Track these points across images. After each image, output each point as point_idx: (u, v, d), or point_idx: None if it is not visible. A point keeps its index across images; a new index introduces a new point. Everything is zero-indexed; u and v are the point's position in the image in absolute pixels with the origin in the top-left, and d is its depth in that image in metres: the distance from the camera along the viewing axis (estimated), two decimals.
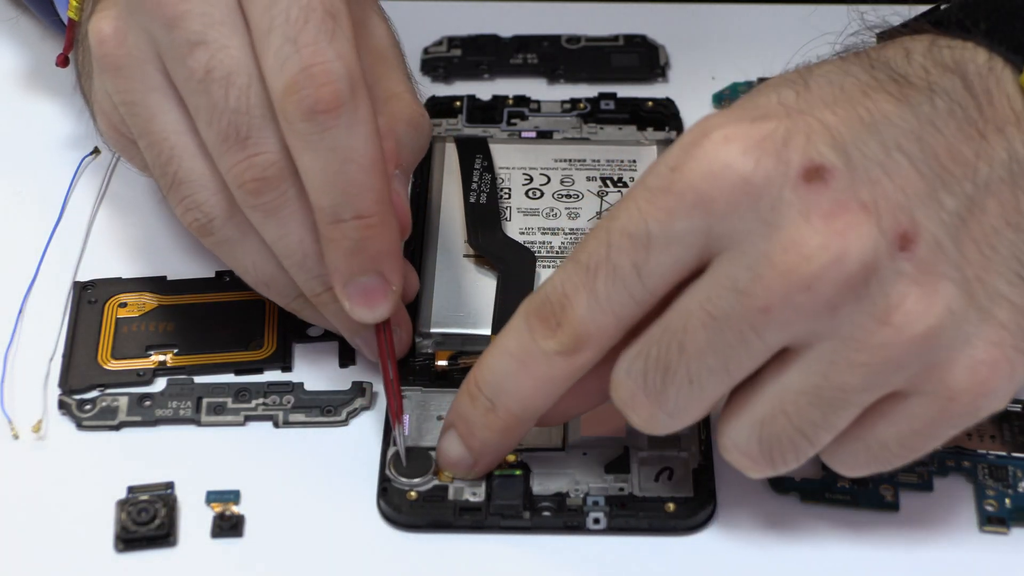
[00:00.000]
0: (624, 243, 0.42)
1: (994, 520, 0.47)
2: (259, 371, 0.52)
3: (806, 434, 0.42)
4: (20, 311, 0.54)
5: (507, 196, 0.57)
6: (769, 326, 0.40)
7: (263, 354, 0.52)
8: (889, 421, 0.42)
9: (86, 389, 0.51)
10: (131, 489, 0.48)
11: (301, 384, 0.51)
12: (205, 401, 0.51)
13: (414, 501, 0.47)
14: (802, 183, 0.40)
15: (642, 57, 0.64)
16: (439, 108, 0.61)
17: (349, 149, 0.45)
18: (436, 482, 0.48)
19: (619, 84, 0.63)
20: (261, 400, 0.51)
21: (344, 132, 0.45)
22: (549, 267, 0.54)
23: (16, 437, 0.50)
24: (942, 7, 0.45)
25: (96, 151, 0.60)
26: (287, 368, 0.52)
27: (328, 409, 0.50)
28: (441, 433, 0.48)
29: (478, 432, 0.46)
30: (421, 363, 0.51)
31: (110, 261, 0.56)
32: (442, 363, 0.51)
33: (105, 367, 0.52)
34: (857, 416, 0.42)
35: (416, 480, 0.48)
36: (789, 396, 0.41)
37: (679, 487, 0.47)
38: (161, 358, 0.52)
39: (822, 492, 0.48)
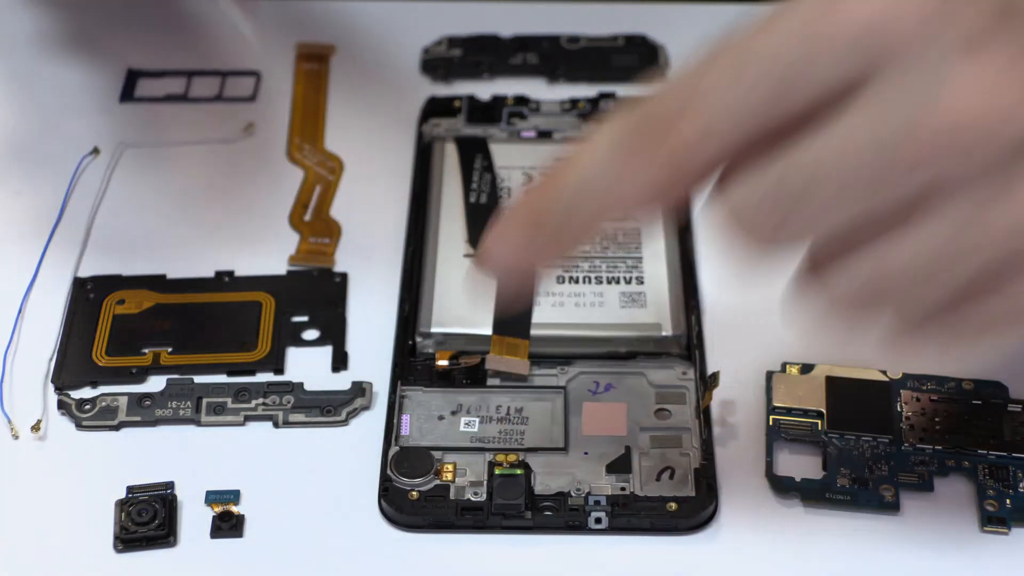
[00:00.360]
0: (773, 54, 0.37)
1: (995, 520, 0.47)
2: (251, 372, 0.52)
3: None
4: (20, 311, 0.54)
5: (507, 196, 0.57)
6: (922, 167, 0.37)
7: (256, 356, 0.52)
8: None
9: (79, 385, 0.51)
10: (131, 489, 0.48)
11: (301, 384, 0.51)
12: (205, 401, 0.51)
13: (415, 501, 0.47)
14: (993, 18, 0.36)
15: (642, 57, 0.64)
16: (439, 108, 0.61)
17: None
18: (437, 482, 0.48)
19: (619, 84, 0.63)
20: (261, 400, 0.51)
21: None
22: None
23: (16, 437, 0.50)
24: None
25: (96, 151, 0.60)
26: (279, 371, 0.52)
27: (328, 409, 0.50)
28: (501, 228, 0.42)
29: (559, 237, 0.41)
30: (421, 363, 0.51)
31: (111, 260, 0.56)
32: (442, 363, 0.51)
33: (99, 364, 0.52)
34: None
35: (417, 480, 0.48)
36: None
37: (681, 487, 0.47)
38: (155, 356, 0.52)
39: (823, 492, 0.48)
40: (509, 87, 0.63)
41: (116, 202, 0.58)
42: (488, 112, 0.61)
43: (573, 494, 0.47)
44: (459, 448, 0.49)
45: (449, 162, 0.58)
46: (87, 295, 0.54)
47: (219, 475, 0.49)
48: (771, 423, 0.50)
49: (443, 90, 0.63)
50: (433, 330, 0.52)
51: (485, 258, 0.43)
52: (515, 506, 0.47)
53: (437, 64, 0.64)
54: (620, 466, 0.48)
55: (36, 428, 0.50)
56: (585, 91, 0.62)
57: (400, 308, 0.53)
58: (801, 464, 0.49)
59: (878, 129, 0.37)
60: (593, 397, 0.50)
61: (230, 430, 0.50)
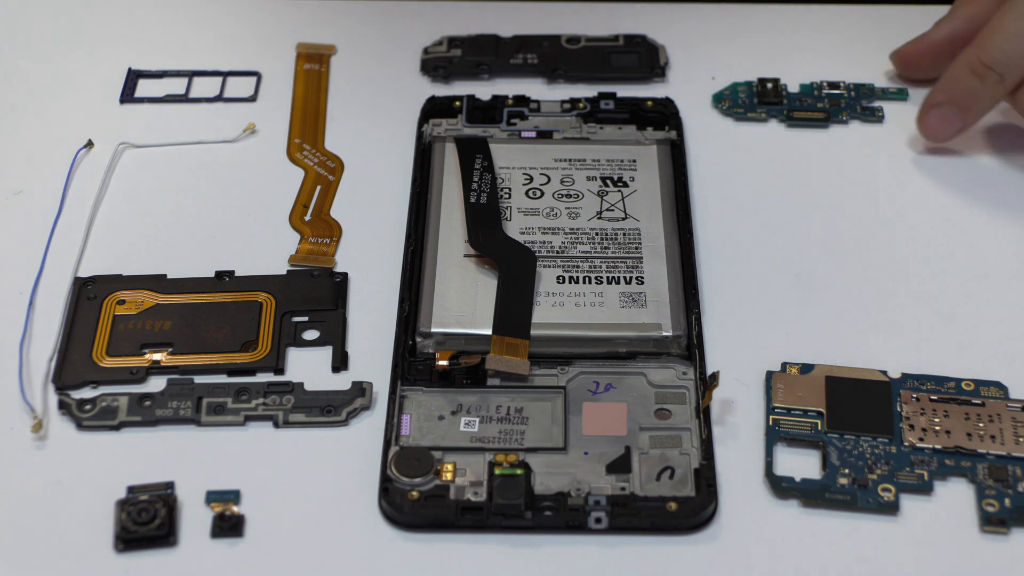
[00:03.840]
0: None
1: (994, 520, 0.47)
2: (251, 372, 0.52)
3: None
4: (28, 314, 0.54)
5: (507, 196, 0.57)
6: None
7: (257, 356, 0.52)
8: None
9: (79, 386, 0.51)
10: (131, 489, 0.48)
11: (301, 384, 0.51)
12: (205, 401, 0.51)
13: (416, 501, 0.47)
14: None
15: (642, 57, 0.64)
16: (439, 108, 0.61)
17: None
18: (437, 482, 0.48)
19: (619, 84, 0.63)
20: (261, 400, 0.51)
21: None
22: (549, 267, 0.54)
23: (39, 429, 0.50)
24: None
25: (90, 143, 0.60)
26: (280, 371, 0.52)
27: (328, 409, 0.50)
28: (927, 110, 0.57)
29: (978, 104, 0.56)
30: (421, 363, 0.51)
31: (111, 260, 0.56)
32: (443, 363, 0.51)
33: (99, 364, 0.52)
34: None
35: (418, 480, 0.48)
36: None
37: (681, 487, 0.47)
38: (156, 357, 0.52)
39: (822, 493, 0.48)
40: (509, 87, 0.63)
41: (116, 202, 0.58)
42: (488, 112, 0.61)
43: (573, 494, 0.47)
44: (459, 448, 0.49)
45: (449, 162, 0.58)
46: (88, 295, 0.54)
47: (219, 475, 0.49)
48: (771, 423, 0.50)
49: (443, 90, 0.63)
50: (433, 330, 0.52)
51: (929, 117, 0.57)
52: (515, 506, 0.47)
53: (437, 64, 0.64)
54: (620, 466, 0.48)
55: (36, 428, 0.50)
56: (585, 91, 0.62)
57: (400, 308, 0.53)
58: (801, 464, 0.49)
59: None
60: (593, 397, 0.50)
61: (230, 430, 0.50)
